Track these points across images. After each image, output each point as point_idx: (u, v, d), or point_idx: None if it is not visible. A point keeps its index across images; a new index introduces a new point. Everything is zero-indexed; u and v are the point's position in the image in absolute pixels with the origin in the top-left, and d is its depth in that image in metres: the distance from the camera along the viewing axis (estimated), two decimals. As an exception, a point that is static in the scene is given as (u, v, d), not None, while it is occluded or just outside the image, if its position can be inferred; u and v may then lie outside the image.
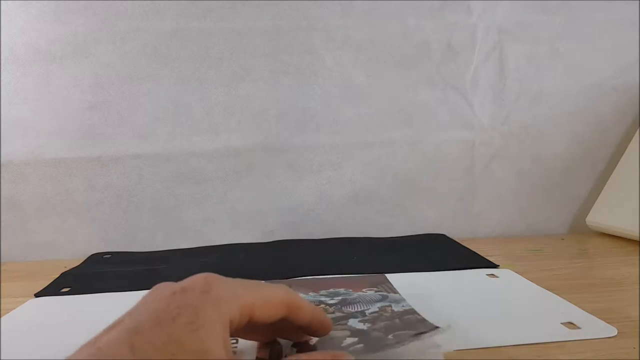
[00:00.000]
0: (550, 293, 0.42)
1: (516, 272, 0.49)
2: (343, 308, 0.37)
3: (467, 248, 0.59)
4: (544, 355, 0.31)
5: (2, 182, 0.61)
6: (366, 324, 0.33)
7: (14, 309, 0.43)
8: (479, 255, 0.56)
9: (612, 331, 0.34)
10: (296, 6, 0.63)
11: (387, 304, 0.37)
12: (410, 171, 0.68)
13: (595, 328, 0.35)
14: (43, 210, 0.62)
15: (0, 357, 0.33)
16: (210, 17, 0.62)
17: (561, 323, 0.36)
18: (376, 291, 0.41)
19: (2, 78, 0.60)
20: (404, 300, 0.38)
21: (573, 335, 0.34)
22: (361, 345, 0.29)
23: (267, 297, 0.25)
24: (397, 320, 0.33)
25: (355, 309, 0.37)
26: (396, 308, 0.36)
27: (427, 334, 0.29)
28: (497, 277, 0.48)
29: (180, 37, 0.62)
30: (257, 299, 0.24)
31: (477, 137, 0.68)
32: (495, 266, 0.51)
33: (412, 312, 0.35)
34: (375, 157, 0.67)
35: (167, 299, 0.22)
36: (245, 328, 0.25)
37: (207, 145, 0.64)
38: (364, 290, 0.42)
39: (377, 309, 0.36)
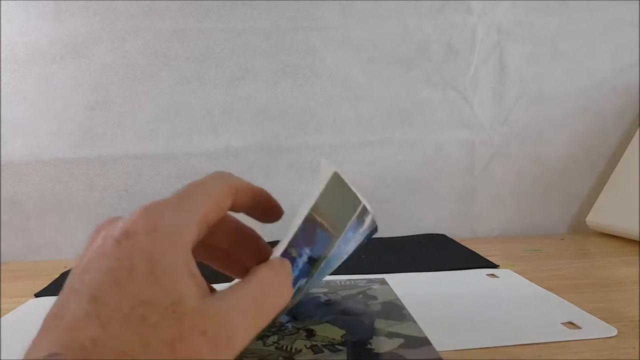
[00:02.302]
0: (551, 293, 0.42)
1: (516, 272, 0.49)
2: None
3: (467, 248, 0.59)
4: (544, 355, 0.31)
5: (2, 182, 0.61)
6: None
7: (14, 309, 0.43)
8: (479, 255, 0.55)
9: (612, 331, 0.34)
10: (296, 6, 0.63)
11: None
12: (410, 171, 0.68)
13: (596, 328, 0.35)
14: (43, 210, 0.62)
15: (0, 357, 0.33)
16: (210, 17, 0.62)
17: (561, 323, 0.35)
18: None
19: (2, 78, 0.60)
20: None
21: (573, 335, 0.34)
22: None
23: (213, 195, 0.23)
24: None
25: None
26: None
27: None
28: (497, 277, 0.48)
29: (180, 37, 0.62)
30: (205, 205, 0.23)
31: (477, 137, 0.68)
32: (495, 266, 0.51)
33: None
34: (375, 157, 0.67)
35: (115, 252, 0.19)
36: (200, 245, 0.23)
37: (207, 145, 0.64)
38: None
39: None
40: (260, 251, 0.31)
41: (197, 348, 0.18)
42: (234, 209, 0.27)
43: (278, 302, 0.23)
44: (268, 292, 0.23)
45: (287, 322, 0.33)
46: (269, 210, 0.29)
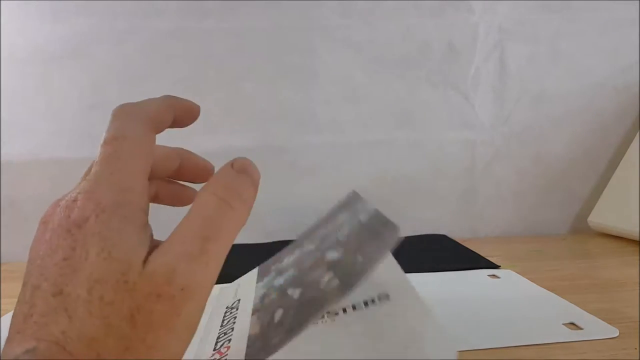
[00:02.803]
0: (552, 294, 0.42)
1: (517, 273, 0.49)
2: (321, 246, 0.33)
3: (468, 248, 0.59)
4: (546, 355, 0.31)
5: (1, 182, 0.61)
6: (339, 249, 0.30)
7: (13, 309, 0.43)
8: (480, 255, 0.55)
9: (614, 332, 0.34)
10: (296, 6, 0.63)
11: (355, 217, 0.34)
12: (411, 171, 0.67)
13: (597, 329, 0.34)
14: (43, 210, 0.62)
15: (0, 357, 0.33)
16: (210, 17, 0.62)
17: (563, 324, 0.35)
18: (349, 214, 0.37)
19: (1, 78, 0.60)
20: (367, 202, 0.35)
21: (575, 336, 0.34)
22: (336, 281, 0.27)
23: (144, 154, 0.22)
24: (365, 232, 0.31)
25: (331, 241, 0.34)
26: (363, 217, 0.33)
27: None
28: (499, 277, 0.48)
29: (180, 37, 0.62)
30: (142, 163, 0.21)
31: (478, 137, 0.68)
32: (496, 267, 0.51)
33: (376, 213, 0.32)
34: (375, 157, 0.67)
35: (69, 243, 0.19)
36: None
37: (207, 145, 0.64)
38: (338, 217, 0.38)
39: (348, 229, 0.33)
40: (205, 171, 0.29)
41: (156, 314, 0.18)
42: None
43: (232, 224, 0.21)
44: (214, 220, 0.20)
45: None
46: (187, 113, 0.27)
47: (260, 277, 0.40)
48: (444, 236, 0.67)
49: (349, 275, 0.25)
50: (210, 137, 0.64)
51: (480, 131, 0.68)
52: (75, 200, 0.20)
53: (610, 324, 0.35)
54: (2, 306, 0.44)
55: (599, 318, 0.36)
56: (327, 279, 0.26)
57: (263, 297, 0.33)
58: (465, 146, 0.68)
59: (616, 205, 0.64)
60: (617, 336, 0.33)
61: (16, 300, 0.46)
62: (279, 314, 0.27)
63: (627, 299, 0.41)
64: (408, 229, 0.68)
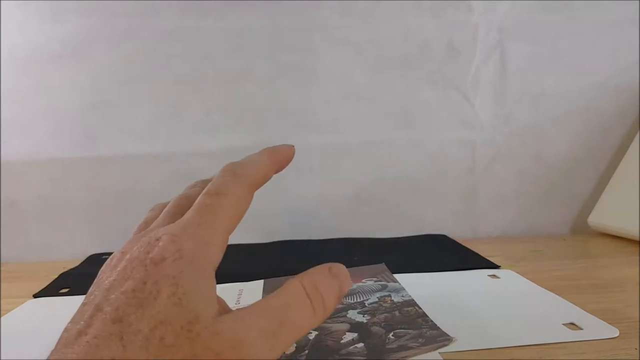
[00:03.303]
0: (552, 294, 0.42)
1: (517, 273, 0.49)
2: (342, 299, 0.37)
3: (468, 248, 0.59)
4: (546, 355, 0.31)
5: (1, 182, 0.61)
6: (365, 315, 0.33)
7: (13, 309, 0.43)
8: (480, 255, 0.55)
9: (614, 332, 0.34)
10: (296, 6, 0.63)
11: (386, 293, 0.37)
12: (411, 171, 0.67)
13: (597, 329, 0.34)
14: (42, 210, 0.62)
15: (0, 357, 0.33)
16: (210, 16, 0.62)
17: (563, 324, 0.35)
18: (376, 281, 0.41)
19: (1, 78, 0.60)
20: (403, 289, 0.38)
21: (575, 336, 0.33)
22: (362, 344, 0.29)
23: (235, 205, 0.23)
24: (396, 313, 0.33)
25: (355, 300, 0.36)
26: (395, 298, 0.36)
27: (431, 346, 0.28)
28: (499, 277, 0.48)
29: (179, 37, 0.62)
30: (229, 220, 0.22)
31: (478, 137, 0.68)
32: (496, 267, 0.51)
33: (412, 303, 0.35)
34: (376, 157, 0.67)
35: (141, 276, 0.19)
36: None
37: (207, 145, 0.64)
38: (363, 280, 0.41)
39: (377, 299, 0.36)
40: None
41: None
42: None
43: (306, 322, 0.21)
44: (294, 310, 0.21)
45: None
46: (285, 161, 0.29)
47: (266, 292, 0.41)
48: (444, 236, 0.67)
49: (377, 347, 0.28)
50: (210, 137, 0.64)
51: (480, 131, 0.68)
52: (158, 240, 0.21)
53: (610, 324, 0.35)
54: (2, 306, 0.44)
55: (599, 318, 0.36)
56: (349, 337, 0.29)
57: None
58: (465, 146, 0.68)
59: (616, 206, 0.64)
60: (617, 336, 0.33)
61: (16, 300, 0.47)
62: (291, 347, 0.29)
63: (628, 299, 0.41)
64: (408, 228, 0.68)
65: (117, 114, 0.62)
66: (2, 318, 0.41)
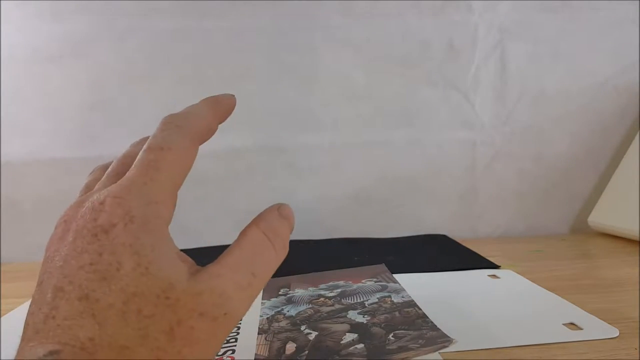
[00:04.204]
0: (552, 294, 0.42)
1: (517, 273, 0.49)
2: (342, 300, 0.37)
3: (468, 248, 0.59)
4: (545, 356, 0.31)
5: (1, 182, 0.61)
6: (365, 316, 0.33)
7: (14, 309, 0.43)
8: (480, 255, 0.55)
9: (614, 332, 0.34)
10: (296, 5, 0.63)
11: (386, 294, 0.37)
12: (411, 171, 0.67)
13: (597, 329, 0.34)
14: (42, 210, 0.62)
15: (0, 357, 0.33)
16: (210, 16, 0.62)
17: (563, 324, 0.35)
18: (376, 281, 0.41)
19: (1, 78, 0.60)
20: (403, 290, 0.38)
21: (574, 336, 0.33)
22: (362, 345, 0.29)
23: (179, 159, 0.22)
24: (396, 314, 0.33)
25: (355, 300, 0.37)
26: (396, 299, 0.36)
27: (431, 347, 0.28)
28: (499, 277, 0.48)
29: (180, 37, 0.62)
30: (175, 174, 0.22)
31: (478, 137, 0.68)
32: (496, 267, 0.51)
33: (412, 304, 0.35)
34: (376, 157, 0.67)
35: (95, 248, 0.18)
36: None
37: (207, 145, 0.64)
38: (363, 281, 0.41)
39: (377, 300, 0.36)
40: None
41: (196, 330, 0.18)
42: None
43: (272, 265, 0.22)
44: (261, 257, 0.21)
45: None
46: (227, 110, 0.27)
47: (266, 292, 0.41)
48: (444, 236, 0.67)
49: (377, 348, 0.28)
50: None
51: (480, 131, 0.68)
52: (102, 203, 0.19)
53: (610, 324, 0.35)
54: (2, 306, 0.44)
55: (599, 318, 0.36)
56: (349, 338, 0.29)
57: (271, 320, 0.34)
58: (465, 146, 0.68)
59: (616, 205, 0.64)
60: (617, 336, 0.33)
61: (16, 300, 0.46)
62: (291, 347, 0.29)
63: (628, 299, 0.41)
64: (408, 228, 0.68)
65: (118, 114, 0.62)
66: (2, 318, 0.41)
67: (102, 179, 0.24)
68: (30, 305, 0.19)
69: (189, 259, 0.21)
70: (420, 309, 0.33)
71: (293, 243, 0.66)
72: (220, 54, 0.63)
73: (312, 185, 0.66)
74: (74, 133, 0.62)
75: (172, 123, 0.23)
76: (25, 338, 0.19)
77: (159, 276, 0.18)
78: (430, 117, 0.67)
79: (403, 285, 0.42)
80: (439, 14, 0.65)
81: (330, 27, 0.64)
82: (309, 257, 0.57)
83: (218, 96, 0.26)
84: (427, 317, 0.32)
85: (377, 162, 0.67)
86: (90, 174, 0.27)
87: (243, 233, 0.22)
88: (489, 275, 0.49)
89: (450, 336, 0.30)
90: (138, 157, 0.21)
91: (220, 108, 0.26)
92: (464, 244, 0.61)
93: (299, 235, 0.66)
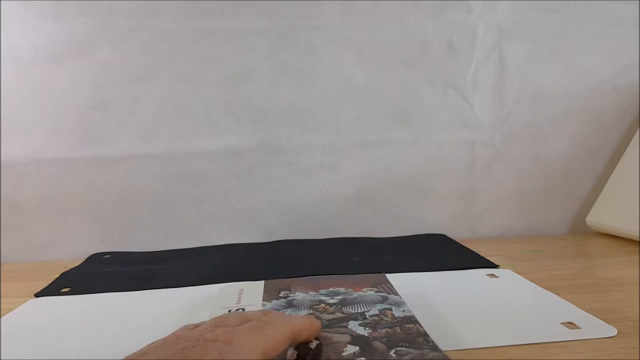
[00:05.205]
0: (551, 293, 0.42)
1: (516, 272, 0.49)
2: (343, 308, 0.37)
3: (467, 248, 0.59)
4: (544, 355, 0.31)
5: (1, 182, 0.61)
6: (366, 328, 0.33)
7: (14, 309, 0.43)
8: (479, 255, 0.55)
9: (612, 331, 0.34)
10: (296, 6, 0.63)
11: (387, 306, 0.37)
12: (410, 171, 0.68)
13: (596, 328, 0.35)
14: (43, 210, 0.62)
15: (0, 357, 0.33)
16: (210, 17, 0.62)
17: (561, 323, 0.35)
18: (376, 291, 0.41)
19: (2, 78, 0.60)
20: (404, 304, 0.38)
21: (573, 335, 0.34)
22: (363, 359, 0.29)
23: (279, 337, 0.27)
24: (398, 329, 0.33)
25: (355, 310, 0.37)
26: (397, 313, 0.36)
27: None
28: (498, 277, 0.48)
29: (180, 37, 0.62)
30: (270, 342, 0.27)
31: (477, 137, 0.68)
32: (495, 266, 0.51)
33: (413, 320, 0.35)
34: (375, 157, 0.67)
35: (192, 343, 0.24)
36: None
37: (207, 145, 0.64)
38: (364, 290, 0.42)
39: (378, 312, 0.36)
40: None
41: None
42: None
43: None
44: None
45: None
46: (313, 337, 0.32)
47: (266, 293, 0.41)
48: (443, 235, 0.67)
49: None
50: (210, 137, 0.64)
51: (479, 131, 0.68)
52: (213, 330, 0.26)
53: (608, 323, 0.35)
54: (3, 306, 0.44)
55: (597, 317, 0.36)
56: (351, 350, 0.30)
57: None
58: (464, 146, 0.68)
59: (615, 205, 0.64)
60: (615, 335, 0.34)
61: (16, 300, 0.47)
62: (292, 353, 0.30)
63: (626, 298, 0.41)
64: (408, 228, 0.68)
65: (118, 114, 0.62)
66: (3, 317, 0.41)
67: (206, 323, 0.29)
68: None
69: None
70: (421, 327, 0.34)
71: (293, 243, 0.66)
72: (221, 54, 0.63)
73: (312, 185, 0.66)
74: (75, 133, 0.62)
75: (282, 315, 0.30)
76: None
77: None
78: (429, 117, 0.67)
79: (403, 284, 0.42)
80: (438, 15, 0.65)
81: (330, 28, 0.64)
82: (309, 257, 0.57)
83: (316, 320, 0.32)
84: (429, 336, 0.32)
85: (377, 162, 0.67)
86: None
87: None
88: (488, 275, 0.49)
89: (452, 350, 0.30)
90: (251, 318, 0.28)
91: (312, 324, 0.31)
92: (463, 243, 0.61)
93: (299, 235, 0.66)
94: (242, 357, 0.24)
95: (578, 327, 0.35)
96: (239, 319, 0.29)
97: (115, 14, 0.61)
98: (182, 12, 0.62)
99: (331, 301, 0.39)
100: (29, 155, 0.61)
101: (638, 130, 0.67)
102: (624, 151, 0.67)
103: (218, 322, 0.29)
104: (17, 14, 0.59)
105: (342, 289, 0.42)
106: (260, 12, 0.63)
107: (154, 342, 0.25)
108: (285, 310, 0.37)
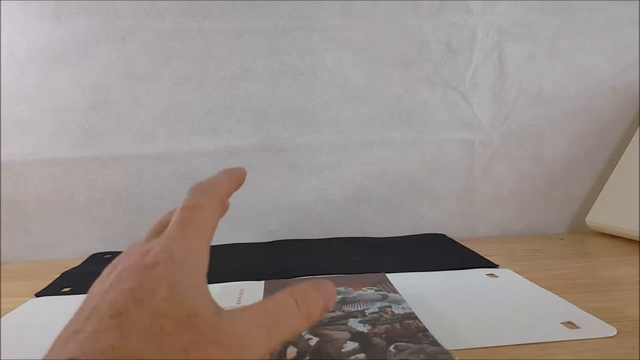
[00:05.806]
0: (550, 293, 0.42)
1: (516, 272, 0.49)
2: (343, 307, 0.37)
3: (467, 248, 0.59)
4: (544, 355, 0.31)
5: (2, 182, 0.61)
6: (366, 325, 0.33)
7: (14, 309, 0.43)
8: (479, 255, 0.56)
9: (612, 331, 0.34)
10: (296, 6, 0.63)
11: (387, 304, 0.38)
12: (410, 171, 0.68)
13: (595, 328, 0.35)
14: (43, 210, 0.62)
15: (0, 357, 0.33)
16: (210, 17, 0.62)
17: (561, 323, 0.36)
18: (376, 290, 0.41)
19: (2, 78, 0.60)
20: (404, 301, 0.38)
21: (572, 335, 0.34)
22: (363, 355, 0.29)
23: (209, 217, 0.26)
24: (397, 325, 0.33)
25: (355, 308, 0.37)
26: (396, 310, 0.36)
27: None
28: (497, 277, 0.48)
29: (180, 37, 0.62)
30: (207, 230, 0.25)
31: (476, 137, 0.68)
32: (494, 266, 0.52)
33: (413, 316, 0.35)
34: (375, 157, 0.67)
35: (137, 277, 0.21)
36: None
37: (207, 145, 0.64)
38: (363, 289, 0.42)
39: (377, 309, 0.36)
40: None
41: (209, 354, 0.20)
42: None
43: (293, 324, 0.24)
44: (284, 314, 0.23)
45: None
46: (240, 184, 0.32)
47: (267, 293, 0.42)
48: (443, 235, 0.67)
49: (379, 359, 0.29)
50: (210, 137, 0.64)
51: (479, 131, 0.68)
52: (149, 250, 0.23)
53: (608, 323, 0.35)
54: (4, 305, 0.44)
55: (597, 317, 0.36)
56: (350, 347, 0.30)
57: None
58: (464, 146, 0.68)
59: (614, 205, 0.64)
60: (615, 335, 0.34)
61: (16, 299, 0.47)
62: (292, 351, 0.30)
63: (625, 298, 0.41)
64: (407, 228, 0.68)
65: (118, 114, 0.62)
66: (4, 317, 0.41)
67: (144, 239, 0.27)
68: (66, 325, 0.21)
69: (218, 305, 0.23)
70: (421, 322, 0.34)
71: (293, 243, 0.67)
72: (221, 54, 0.63)
73: (312, 185, 0.66)
74: (75, 133, 0.62)
75: (200, 186, 0.27)
76: (53, 345, 0.20)
77: (187, 304, 0.21)
78: (429, 117, 0.67)
79: (402, 284, 0.43)
80: (437, 15, 0.65)
81: (330, 28, 0.64)
82: (309, 257, 0.57)
83: (234, 168, 0.32)
84: (428, 331, 0.32)
85: (377, 162, 0.67)
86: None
87: (274, 294, 0.24)
88: (487, 275, 0.49)
89: (452, 349, 0.31)
90: (175, 214, 0.25)
91: (236, 176, 0.31)
92: (462, 243, 0.62)
93: (299, 235, 0.66)
94: (192, 266, 0.23)
95: (577, 327, 0.35)
96: (168, 217, 0.27)
97: (115, 14, 0.61)
98: (183, 12, 0.62)
99: None
100: (29, 155, 0.61)
101: (637, 131, 0.67)
102: (623, 151, 0.67)
103: (151, 235, 0.27)
104: (17, 14, 0.59)
105: (342, 289, 0.42)
106: (260, 12, 0.63)
107: (97, 281, 0.23)
108: None
